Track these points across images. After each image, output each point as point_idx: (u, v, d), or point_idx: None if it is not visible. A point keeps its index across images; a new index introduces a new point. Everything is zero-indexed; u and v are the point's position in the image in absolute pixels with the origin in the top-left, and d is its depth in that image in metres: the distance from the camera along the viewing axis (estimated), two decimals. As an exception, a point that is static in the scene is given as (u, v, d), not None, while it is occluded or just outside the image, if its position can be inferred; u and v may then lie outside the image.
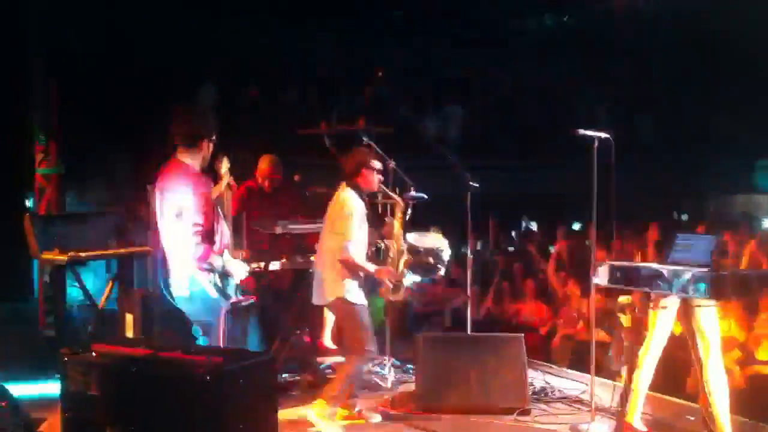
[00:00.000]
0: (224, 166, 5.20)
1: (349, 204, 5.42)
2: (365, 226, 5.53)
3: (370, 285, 5.70)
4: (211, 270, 4.76)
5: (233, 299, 4.95)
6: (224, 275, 4.85)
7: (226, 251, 4.91)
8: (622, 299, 7.09)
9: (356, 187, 5.54)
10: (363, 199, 5.55)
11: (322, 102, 12.29)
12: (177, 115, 4.87)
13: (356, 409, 5.70)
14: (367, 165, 5.58)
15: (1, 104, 8.63)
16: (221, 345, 4.82)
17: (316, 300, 5.64)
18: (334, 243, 5.40)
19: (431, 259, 6.30)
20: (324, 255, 5.51)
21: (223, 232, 4.93)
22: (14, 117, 8.78)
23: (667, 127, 13.25)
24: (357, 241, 5.41)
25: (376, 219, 6.37)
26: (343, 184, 5.57)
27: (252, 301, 5.88)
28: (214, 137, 4.88)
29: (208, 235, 4.72)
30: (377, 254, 6.05)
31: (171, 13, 9.42)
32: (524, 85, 13.55)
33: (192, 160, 4.80)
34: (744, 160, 12.34)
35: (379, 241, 6.03)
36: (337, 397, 5.44)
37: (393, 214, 6.06)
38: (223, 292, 4.84)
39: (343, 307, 5.43)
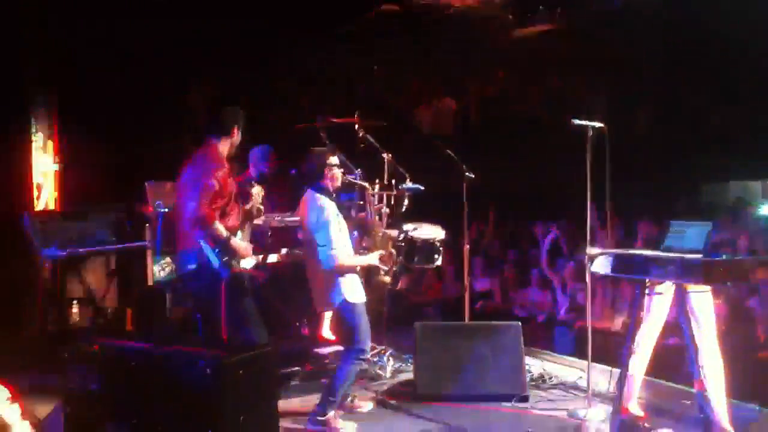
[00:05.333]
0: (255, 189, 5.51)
1: (323, 212, 5.33)
2: (343, 222, 5.47)
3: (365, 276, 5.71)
4: (215, 240, 4.89)
5: (236, 269, 5.04)
6: (229, 249, 4.98)
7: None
8: None
9: (323, 189, 5.47)
10: (332, 199, 5.48)
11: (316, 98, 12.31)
12: (209, 110, 5.56)
13: (348, 399, 5.68)
14: (328, 164, 5.50)
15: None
16: (223, 324, 4.94)
17: (318, 307, 5.68)
18: (320, 256, 5.33)
19: (428, 250, 6.34)
20: (314, 267, 5.43)
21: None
22: (11, 114, 8.77)
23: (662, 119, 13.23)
24: (342, 244, 5.37)
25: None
26: (309, 190, 5.49)
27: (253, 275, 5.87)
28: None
29: (221, 210, 4.98)
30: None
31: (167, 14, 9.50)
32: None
33: (222, 146, 5.20)
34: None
35: (354, 232, 5.97)
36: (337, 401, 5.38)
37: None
38: (225, 262, 4.95)
39: (345, 307, 5.38)
